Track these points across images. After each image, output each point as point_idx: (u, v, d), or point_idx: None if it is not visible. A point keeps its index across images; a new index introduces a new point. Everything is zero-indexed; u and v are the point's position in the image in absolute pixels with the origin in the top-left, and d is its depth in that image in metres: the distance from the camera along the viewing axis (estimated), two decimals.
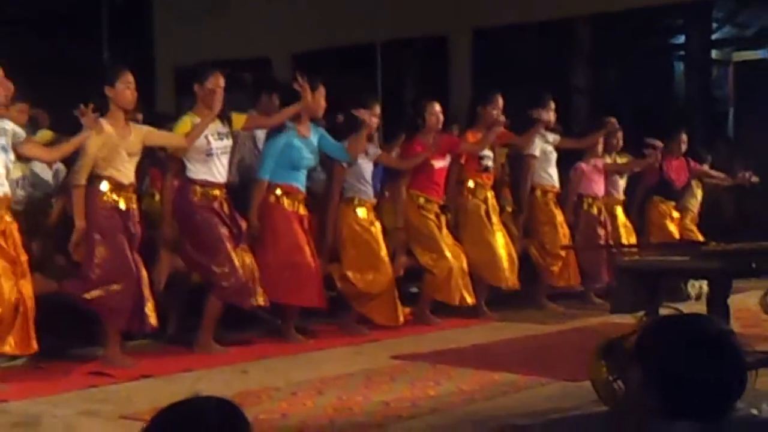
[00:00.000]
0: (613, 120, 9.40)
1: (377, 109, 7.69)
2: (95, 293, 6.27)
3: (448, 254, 8.03)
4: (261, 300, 6.95)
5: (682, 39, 13.75)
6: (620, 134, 9.49)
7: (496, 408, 5.29)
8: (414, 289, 8.39)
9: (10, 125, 5.88)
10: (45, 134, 6.88)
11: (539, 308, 8.82)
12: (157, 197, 7.45)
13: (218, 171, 6.87)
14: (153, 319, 6.39)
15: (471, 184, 8.44)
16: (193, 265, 6.94)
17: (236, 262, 6.82)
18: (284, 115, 7.19)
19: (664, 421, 2.26)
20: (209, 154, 6.81)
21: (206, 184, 6.83)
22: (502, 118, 8.32)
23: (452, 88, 12.51)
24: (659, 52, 13.69)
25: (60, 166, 6.94)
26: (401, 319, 7.78)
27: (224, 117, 6.92)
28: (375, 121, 7.66)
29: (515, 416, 5.10)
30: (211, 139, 6.81)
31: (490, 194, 8.54)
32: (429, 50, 13.28)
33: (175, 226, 6.85)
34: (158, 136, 6.70)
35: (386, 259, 7.73)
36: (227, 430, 2.08)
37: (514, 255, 8.52)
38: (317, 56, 13.16)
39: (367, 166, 7.72)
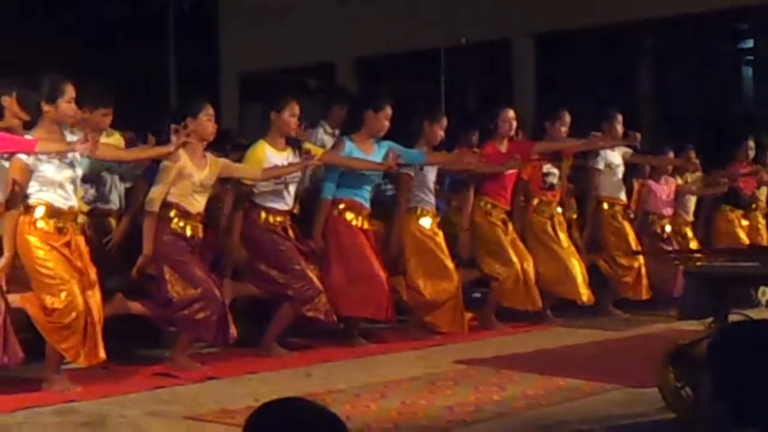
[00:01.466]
0: (692, 153, 9.26)
1: (444, 122, 7.70)
2: (179, 315, 6.35)
3: (514, 259, 7.99)
4: (331, 315, 6.98)
5: (750, 43, 13.56)
6: (694, 156, 9.34)
7: (562, 413, 5.26)
8: (477, 294, 8.35)
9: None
10: (116, 138, 6.96)
11: (604, 314, 8.73)
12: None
13: (285, 200, 6.98)
14: (234, 332, 6.46)
15: (536, 201, 8.39)
16: (267, 285, 6.97)
17: (310, 275, 6.91)
18: (360, 164, 7.21)
19: (735, 430, 2.23)
20: (278, 183, 6.91)
21: (270, 211, 6.94)
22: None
23: (515, 93, 12.47)
24: (726, 57, 13.51)
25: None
26: (466, 327, 7.76)
27: (296, 147, 7.00)
28: (441, 135, 7.66)
29: (581, 422, 5.06)
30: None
31: (556, 211, 8.47)
32: (493, 55, 13.25)
33: (243, 251, 6.93)
34: (235, 169, 6.78)
35: (451, 266, 7.71)
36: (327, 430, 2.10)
37: (584, 271, 8.40)
38: (381, 61, 13.20)
39: (431, 176, 7.72)
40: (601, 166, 8.72)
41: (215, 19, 15.84)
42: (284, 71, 14.21)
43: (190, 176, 6.38)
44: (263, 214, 6.92)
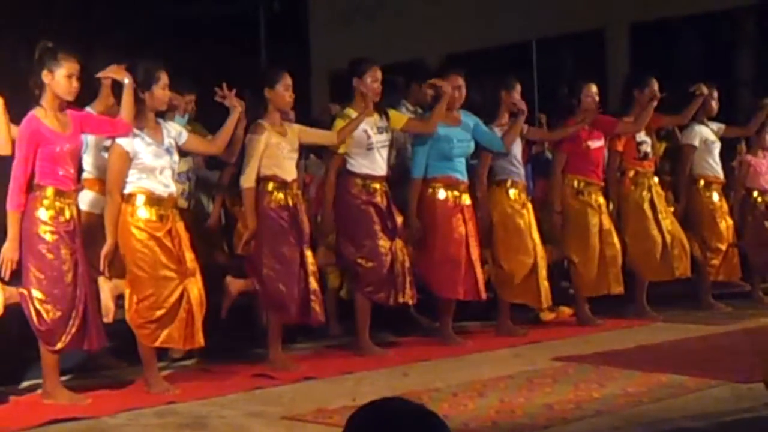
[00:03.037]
0: None
1: (519, 89, 7.56)
2: (263, 290, 6.40)
3: (596, 245, 7.84)
4: (408, 298, 6.93)
5: None
6: None
7: (665, 410, 5.14)
8: (572, 291, 8.23)
9: (174, 128, 6.04)
10: (198, 127, 7.04)
11: (705, 308, 8.55)
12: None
13: (378, 164, 6.92)
14: (321, 316, 6.47)
15: (632, 173, 8.22)
16: (343, 256, 6.99)
17: (384, 259, 6.84)
18: (437, 117, 7.14)
19: None
20: (369, 147, 6.87)
21: (367, 177, 6.89)
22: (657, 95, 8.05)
23: (610, 85, 12.26)
24: None
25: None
26: (544, 303, 7.62)
27: (382, 111, 6.97)
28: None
29: (684, 419, 4.95)
30: (371, 132, 6.87)
31: (653, 181, 8.28)
32: (585, 47, 13.06)
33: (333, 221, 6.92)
34: (311, 134, 6.78)
35: (537, 241, 7.58)
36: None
37: (685, 241, 8.22)
38: (472, 57, 13.10)
39: (516, 147, 7.61)
40: (696, 142, 8.53)
41: (305, 19, 15.93)
42: None
43: (277, 144, 6.40)
44: (358, 182, 6.88)
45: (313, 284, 6.44)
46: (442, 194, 7.21)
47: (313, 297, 6.41)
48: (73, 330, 5.48)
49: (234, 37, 15.08)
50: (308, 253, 6.48)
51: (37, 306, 5.45)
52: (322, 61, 15.57)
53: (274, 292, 6.38)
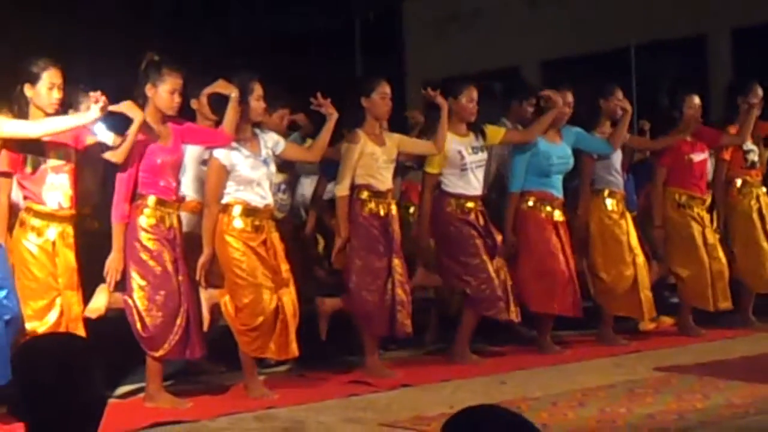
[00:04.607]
0: None
1: (619, 94, 7.44)
2: (351, 300, 6.41)
3: (704, 258, 7.67)
4: (514, 315, 6.89)
5: None
6: None
7: None
8: (675, 300, 8.08)
9: (271, 137, 6.08)
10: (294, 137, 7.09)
11: None
12: (412, 209, 7.55)
13: (473, 185, 6.89)
14: (408, 327, 6.43)
15: (738, 182, 8.04)
16: (448, 276, 6.94)
17: (492, 273, 6.80)
18: (541, 127, 7.08)
19: None
20: (463, 169, 6.84)
21: (461, 197, 6.86)
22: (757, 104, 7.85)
23: (712, 93, 12.02)
24: None
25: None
26: (647, 315, 7.49)
27: (478, 130, 6.92)
28: (618, 108, 7.36)
29: None
30: (465, 153, 6.83)
31: (761, 191, 8.09)
32: (686, 53, 12.83)
33: (430, 240, 6.89)
34: (410, 143, 6.78)
35: (637, 252, 7.46)
36: None
37: None
38: (568, 63, 12.97)
39: (615, 157, 7.49)
40: None
41: (400, 29, 15.96)
42: (469, 77, 14.16)
43: (372, 154, 6.39)
44: (453, 202, 6.86)
45: (401, 295, 6.40)
46: (538, 208, 7.15)
47: (399, 308, 6.38)
48: (176, 338, 5.56)
49: (329, 48, 15.17)
50: (397, 263, 6.44)
51: (141, 313, 5.53)
52: (417, 70, 15.56)
53: (362, 302, 6.38)
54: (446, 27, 14.84)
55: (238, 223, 5.84)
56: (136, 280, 5.56)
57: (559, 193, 7.22)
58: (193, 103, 6.11)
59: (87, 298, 5.55)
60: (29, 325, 5.26)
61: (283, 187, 6.79)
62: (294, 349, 5.91)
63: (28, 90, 5.41)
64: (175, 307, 5.56)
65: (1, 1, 10.56)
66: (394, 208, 6.56)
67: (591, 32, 13.05)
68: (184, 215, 5.95)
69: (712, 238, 7.81)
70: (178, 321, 5.56)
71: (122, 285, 5.62)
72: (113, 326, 5.64)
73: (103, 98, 5.16)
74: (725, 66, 12.38)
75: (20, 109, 5.40)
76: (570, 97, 7.19)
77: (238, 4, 14.48)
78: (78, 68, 6.32)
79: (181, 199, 5.88)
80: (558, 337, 7.44)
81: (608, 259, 7.44)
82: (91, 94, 5.20)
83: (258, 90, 5.92)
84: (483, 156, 6.95)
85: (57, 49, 5.85)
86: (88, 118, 5.23)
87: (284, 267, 5.96)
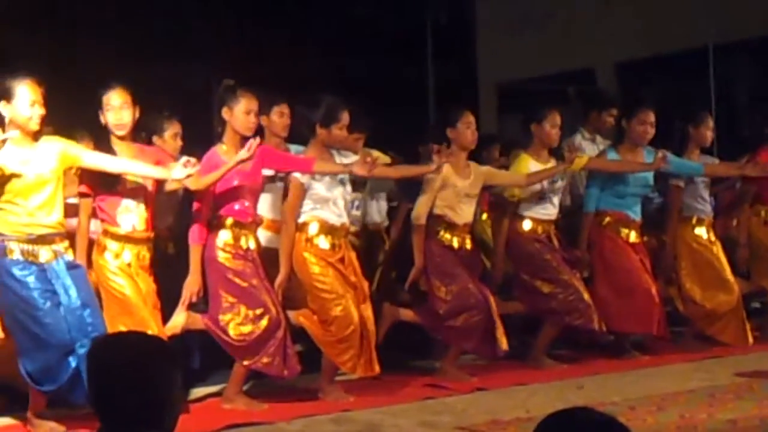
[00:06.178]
0: None
1: (710, 123, 7.35)
2: (446, 325, 6.39)
3: None
4: (597, 325, 6.82)
5: None
6: None
7: None
8: (757, 304, 7.93)
9: (348, 158, 6.08)
10: (383, 158, 7.06)
11: None
12: (485, 216, 7.53)
13: (548, 210, 6.90)
14: (504, 344, 6.39)
15: None
16: (530, 298, 6.90)
17: (577, 284, 6.79)
18: (623, 167, 7.01)
19: None
20: (542, 197, 6.85)
21: (533, 220, 6.87)
22: None
23: None
24: None
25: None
26: (751, 339, 7.36)
27: (558, 155, 6.87)
28: (709, 136, 7.32)
29: None
30: (545, 182, 6.81)
31: None
32: (766, 52, 12.58)
33: (507, 262, 6.89)
34: (499, 176, 6.77)
35: (731, 278, 7.34)
36: None
37: None
38: (643, 64, 12.82)
39: (701, 183, 7.39)
40: None
41: (473, 30, 15.89)
42: (542, 79, 14.06)
43: (454, 186, 6.39)
44: (528, 224, 6.84)
45: (495, 316, 6.33)
46: (612, 228, 7.07)
47: (497, 329, 6.33)
48: (271, 350, 5.56)
49: (401, 50, 15.16)
50: (483, 285, 6.45)
51: (231, 328, 5.55)
52: (489, 72, 15.50)
53: (456, 327, 6.35)
54: (520, 28, 14.74)
55: (316, 241, 5.86)
56: (225, 299, 5.58)
57: (635, 216, 7.13)
58: (263, 120, 6.10)
59: (165, 319, 5.56)
60: None
61: (356, 203, 6.80)
62: (376, 367, 5.93)
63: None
64: (274, 321, 5.55)
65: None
66: (468, 242, 6.54)
67: (666, 32, 12.85)
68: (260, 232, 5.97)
69: None
70: (279, 333, 5.55)
71: (199, 306, 5.68)
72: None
73: (194, 161, 5.20)
74: None
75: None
76: (651, 117, 7.06)
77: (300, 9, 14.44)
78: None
79: (259, 222, 5.90)
80: (637, 342, 7.32)
81: (705, 285, 7.32)
82: (184, 158, 5.23)
83: (344, 119, 5.93)
84: (562, 183, 6.96)
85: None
86: (172, 176, 5.26)
87: (363, 284, 6.00)
